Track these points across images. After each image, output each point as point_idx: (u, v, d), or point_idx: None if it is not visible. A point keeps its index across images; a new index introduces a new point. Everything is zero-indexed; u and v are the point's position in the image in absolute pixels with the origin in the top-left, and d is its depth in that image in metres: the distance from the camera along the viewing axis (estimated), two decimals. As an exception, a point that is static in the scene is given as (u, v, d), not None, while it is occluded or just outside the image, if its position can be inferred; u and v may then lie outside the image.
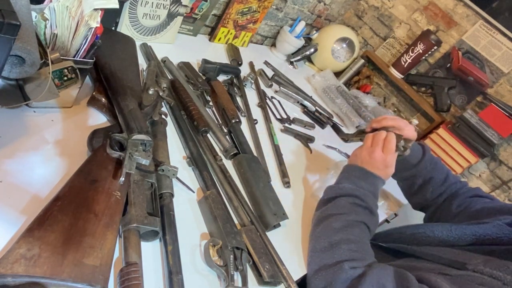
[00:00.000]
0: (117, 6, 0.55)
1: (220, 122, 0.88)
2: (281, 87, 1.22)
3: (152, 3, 0.87)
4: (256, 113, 1.03)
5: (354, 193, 0.73)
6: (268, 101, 1.14)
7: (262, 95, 1.11)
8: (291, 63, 1.52)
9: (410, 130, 0.81)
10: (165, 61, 0.91)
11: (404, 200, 1.04)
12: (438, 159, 0.91)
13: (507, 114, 1.34)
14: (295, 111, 1.23)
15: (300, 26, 1.45)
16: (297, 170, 0.94)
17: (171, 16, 0.94)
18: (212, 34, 1.22)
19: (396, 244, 0.77)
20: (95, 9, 0.54)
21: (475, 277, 0.56)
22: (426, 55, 1.52)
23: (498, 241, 0.66)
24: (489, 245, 0.67)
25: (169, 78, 0.88)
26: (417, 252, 0.71)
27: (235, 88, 1.03)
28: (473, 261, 0.60)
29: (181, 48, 1.04)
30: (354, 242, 0.65)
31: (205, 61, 0.97)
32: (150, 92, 0.69)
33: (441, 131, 1.46)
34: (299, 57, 1.52)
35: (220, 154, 0.77)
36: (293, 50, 1.51)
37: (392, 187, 1.20)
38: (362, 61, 1.65)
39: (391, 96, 1.72)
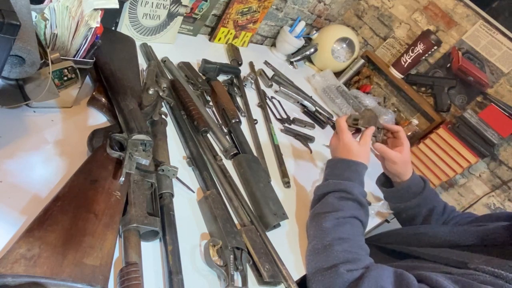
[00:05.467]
0: (117, 6, 0.55)
1: (220, 122, 0.88)
2: (281, 87, 1.22)
3: (152, 3, 0.87)
4: (256, 113, 1.03)
5: (340, 187, 0.73)
6: (268, 101, 1.14)
7: (262, 95, 1.11)
8: (291, 63, 1.52)
9: None
10: (165, 61, 0.91)
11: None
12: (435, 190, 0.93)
13: (507, 114, 1.34)
14: (295, 111, 1.23)
15: (300, 26, 1.45)
16: (297, 170, 0.94)
17: (171, 16, 0.94)
18: (212, 34, 1.22)
19: (397, 245, 0.77)
20: (95, 9, 0.54)
21: (476, 276, 0.56)
22: (426, 55, 1.52)
23: (499, 242, 0.67)
24: (490, 246, 0.67)
25: (169, 78, 0.88)
26: (419, 253, 0.71)
27: (235, 88, 1.03)
28: (475, 260, 0.60)
29: (181, 48, 1.04)
30: (346, 241, 0.65)
31: (205, 61, 0.97)
32: (150, 92, 0.69)
33: (441, 131, 1.46)
34: (299, 57, 1.52)
35: (220, 154, 0.77)
36: (293, 50, 1.51)
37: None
38: (362, 61, 1.65)
39: (391, 96, 1.72)
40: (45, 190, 0.50)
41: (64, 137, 0.58)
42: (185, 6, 0.95)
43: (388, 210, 1.04)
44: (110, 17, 0.80)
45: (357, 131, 0.86)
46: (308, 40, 1.62)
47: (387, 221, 1.11)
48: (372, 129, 0.83)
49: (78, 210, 0.45)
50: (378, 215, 1.02)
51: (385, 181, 0.93)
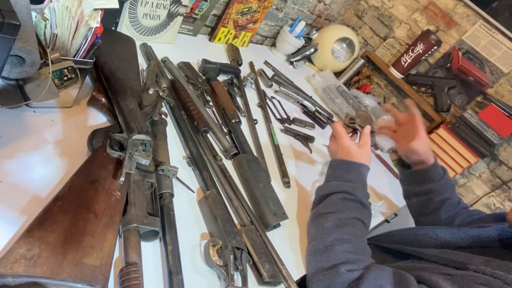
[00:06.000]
0: (117, 6, 0.55)
1: (220, 122, 0.88)
2: (281, 87, 1.22)
3: (152, 3, 0.87)
4: (256, 113, 1.03)
5: (342, 188, 0.74)
6: (268, 101, 1.14)
7: (262, 95, 1.11)
8: (291, 63, 1.52)
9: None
10: (165, 61, 0.91)
11: (404, 201, 1.03)
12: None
13: (507, 114, 1.34)
14: (295, 111, 1.23)
15: (300, 26, 1.45)
16: (297, 170, 0.94)
17: (171, 16, 0.94)
18: (212, 34, 1.22)
19: (398, 245, 0.77)
20: (95, 9, 0.54)
21: (476, 277, 0.56)
22: (426, 55, 1.52)
23: (500, 243, 0.67)
24: (490, 248, 0.67)
25: (169, 78, 0.88)
26: (419, 253, 0.71)
27: (235, 88, 1.03)
28: (475, 262, 0.60)
29: (181, 48, 1.04)
30: (348, 242, 0.64)
31: (205, 61, 0.97)
32: (150, 92, 0.69)
33: (441, 131, 1.45)
34: (299, 57, 1.52)
35: (220, 154, 0.77)
36: (293, 50, 1.51)
37: (391, 187, 1.20)
38: (362, 61, 1.65)
39: (391, 96, 1.72)
40: (45, 190, 0.50)
41: (64, 137, 0.58)
42: (185, 6, 0.95)
43: (388, 210, 1.04)
44: (110, 17, 0.80)
45: (354, 132, 0.87)
46: (308, 40, 1.62)
47: (387, 221, 1.11)
48: (369, 128, 0.83)
49: (78, 210, 0.45)
50: (378, 215, 1.02)
51: (404, 163, 0.95)
